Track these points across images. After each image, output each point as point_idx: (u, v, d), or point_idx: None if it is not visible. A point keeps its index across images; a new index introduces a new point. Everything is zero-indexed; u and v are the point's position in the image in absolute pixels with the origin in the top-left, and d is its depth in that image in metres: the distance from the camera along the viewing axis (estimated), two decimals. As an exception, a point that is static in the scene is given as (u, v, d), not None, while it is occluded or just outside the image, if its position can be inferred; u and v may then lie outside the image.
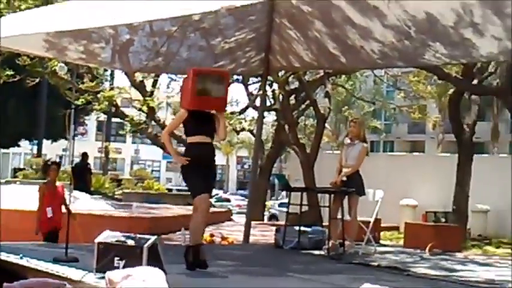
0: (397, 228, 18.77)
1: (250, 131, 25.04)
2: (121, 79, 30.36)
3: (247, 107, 26.11)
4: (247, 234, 12.13)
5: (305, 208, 12.29)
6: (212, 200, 13.78)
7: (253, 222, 12.85)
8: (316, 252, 11.01)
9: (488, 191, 18.95)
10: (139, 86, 23.48)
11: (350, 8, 9.31)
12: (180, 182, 67.85)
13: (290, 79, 21.96)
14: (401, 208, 20.36)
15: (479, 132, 22.93)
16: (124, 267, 6.49)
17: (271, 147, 26.11)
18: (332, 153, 25.53)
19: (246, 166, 77.46)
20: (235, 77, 22.57)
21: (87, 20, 9.42)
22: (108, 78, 30.67)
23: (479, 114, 19.97)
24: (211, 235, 12.98)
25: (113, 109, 24.96)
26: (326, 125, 22.88)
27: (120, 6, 8.96)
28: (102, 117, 41.64)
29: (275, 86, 21.95)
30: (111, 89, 25.69)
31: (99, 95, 23.27)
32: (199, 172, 7.85)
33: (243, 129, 24.98)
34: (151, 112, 23.67)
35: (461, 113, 18.85)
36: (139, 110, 24.61)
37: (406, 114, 32.73)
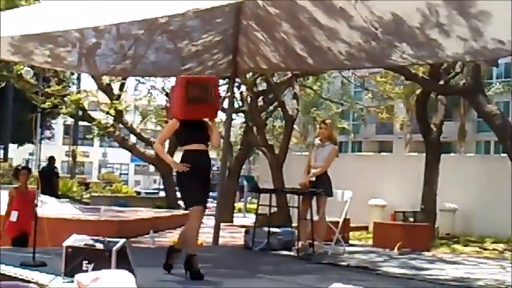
0: (366, 228, 18.88)
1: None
2: (88, 82, 30.34)
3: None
4: (216, 236, 12.11)
5: (274, 209, 12.31)
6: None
7: (222, 224, 12.84)
8: (286, 253, 11.01)
9: (455, 190, 19.14)
10: (107, 89, 23.41)
11: (316, 10, 9.31)
12: (148, 185, 67.72)
13: (258, 81, 21.97)
14: (370, 208, 20.50)
15: (447, 132, 23.22)
16: (93, 270, 6.46)
17: (239, 149, 26.13)
18: (301, 155, 25.62)
19: (214, 168, 77.30)
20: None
21: (53, 24, 9.33)
22: (75, 81, 30.52)
23: (446, 114, 20.19)
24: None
25: (80, 112, 24.89)
26: (294, 126, 22.90)
27: (86, 9, 8.89)
28: (69, 120, 41.51)
29: (243, 88, 21.98)
30: (78, 92, 25.57)
31: (66, 99, 23.19)
32: (197, 181, 7.73)
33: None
34: (118, 115, 23.62)
35: (428, 113, 19.01)
36: (107, 113, 24.57)
37: (374, 115, 32.81)
